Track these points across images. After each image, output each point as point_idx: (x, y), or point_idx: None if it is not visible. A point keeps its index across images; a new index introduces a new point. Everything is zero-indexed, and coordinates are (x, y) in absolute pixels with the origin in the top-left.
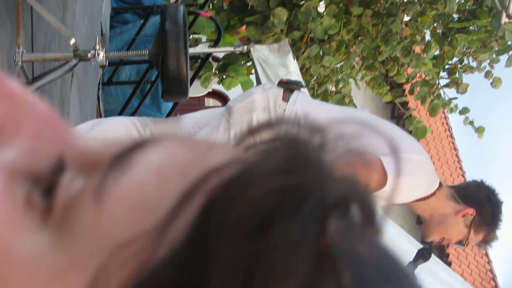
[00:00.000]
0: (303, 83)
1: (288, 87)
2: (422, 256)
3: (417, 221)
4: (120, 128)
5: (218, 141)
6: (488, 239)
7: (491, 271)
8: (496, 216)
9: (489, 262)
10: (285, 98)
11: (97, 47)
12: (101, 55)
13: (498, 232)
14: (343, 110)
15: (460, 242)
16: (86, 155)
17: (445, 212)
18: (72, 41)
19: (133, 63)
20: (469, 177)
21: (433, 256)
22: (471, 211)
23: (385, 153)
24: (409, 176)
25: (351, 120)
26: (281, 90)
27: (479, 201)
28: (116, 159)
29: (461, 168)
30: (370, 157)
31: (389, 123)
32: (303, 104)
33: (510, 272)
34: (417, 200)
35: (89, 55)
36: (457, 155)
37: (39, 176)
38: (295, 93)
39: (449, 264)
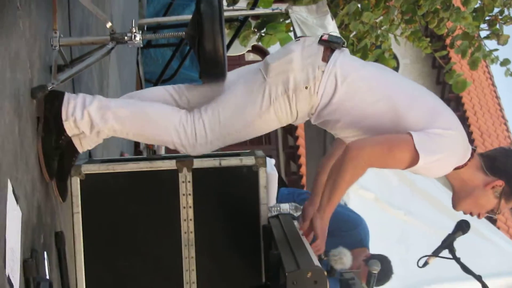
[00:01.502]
0: (344, 41)
1: (329, 45)
2: (461, 228)
3: None
4: (156, 95)
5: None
6: None
7: None
8: None
9: None
10: (325, 58)
11: (134, 30)
12: (138, 37)
13: None
14: (385, 74)
15: (492, 211)
16: None
17: (474, 184)
18: (109, 25)
19: (172, 26)
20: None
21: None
22: (500, 183)
23: (419, 128)
24: (440, 154)
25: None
26: (321, 49)
27: (507, 172)
28: None
29: (503, 117)
30: (403, 136)
31: (430, 93)
32: (343, 66)
33: None
34: None
35: (125, 37)
36: (499, 104)
37: None
38: (336, 52)
39: (494, 221)
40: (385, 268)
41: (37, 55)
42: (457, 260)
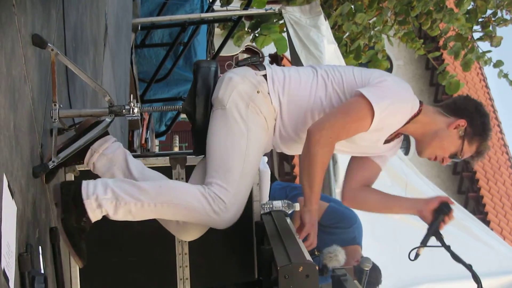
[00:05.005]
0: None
1: (249, 62)
2: (442, 211)
3: (453, 172)
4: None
5: None
6: (481, 149)
7: None
8: (487, 125)
9: None
10: (255, 69)
11: (132, 104)
12: (136, 110)
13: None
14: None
15: (455, 155)
16: None
17: (436, 127)
18: (107, 98)
19: (166, 26)
20: (505, 128)
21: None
22: (462, 122)
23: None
24: (389, 98)
25: None
26: (245, 67)
27: (468, 112)
28: None
29: (496, 118)
30: (351, 99)
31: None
32: (276, 68)
33: None
34: (407, 122)
35: (123, 110)
36: (492, 106)
37: None
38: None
39: (487, 222)
40: (374, 277)
41: (32, 52)
42: (447, 248)
